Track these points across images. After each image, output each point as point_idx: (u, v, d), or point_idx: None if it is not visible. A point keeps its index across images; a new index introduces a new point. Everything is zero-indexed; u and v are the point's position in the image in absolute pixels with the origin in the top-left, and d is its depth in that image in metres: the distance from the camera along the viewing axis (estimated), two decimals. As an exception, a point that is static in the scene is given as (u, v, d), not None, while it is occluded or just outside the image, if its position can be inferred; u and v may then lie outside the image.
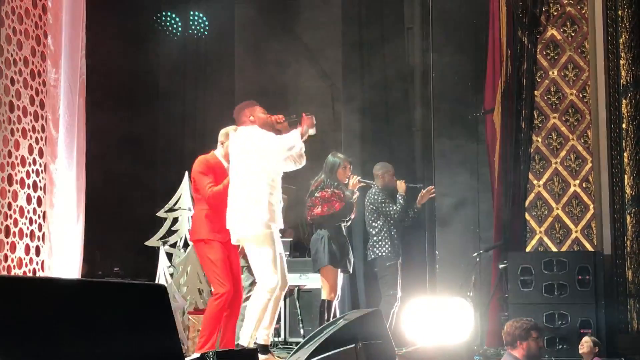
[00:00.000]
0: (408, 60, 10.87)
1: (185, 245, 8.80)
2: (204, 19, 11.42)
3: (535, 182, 8.67)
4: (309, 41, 11.65)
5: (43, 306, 2.68)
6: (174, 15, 11.51)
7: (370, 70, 10.78)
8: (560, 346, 7.87)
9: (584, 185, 8.58)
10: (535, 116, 8.68)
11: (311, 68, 11.75)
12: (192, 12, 11.46)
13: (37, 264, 7.90)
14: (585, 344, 7.03)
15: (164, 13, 11.48)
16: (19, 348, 2.54)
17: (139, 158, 10.50)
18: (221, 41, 11.45)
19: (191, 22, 11.45)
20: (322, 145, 10.54)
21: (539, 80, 8.71)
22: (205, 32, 11.36)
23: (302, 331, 8.91)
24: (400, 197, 8.51)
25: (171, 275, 8.57)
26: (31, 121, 7.88)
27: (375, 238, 8.49)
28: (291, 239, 9.70)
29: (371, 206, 8.55)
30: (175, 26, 11.36)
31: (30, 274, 7.68)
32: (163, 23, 11.35)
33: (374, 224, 8.52)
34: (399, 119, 10.66)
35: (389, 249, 8.40)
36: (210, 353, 3.25)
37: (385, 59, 10.78)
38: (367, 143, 10.54)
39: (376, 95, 10.75)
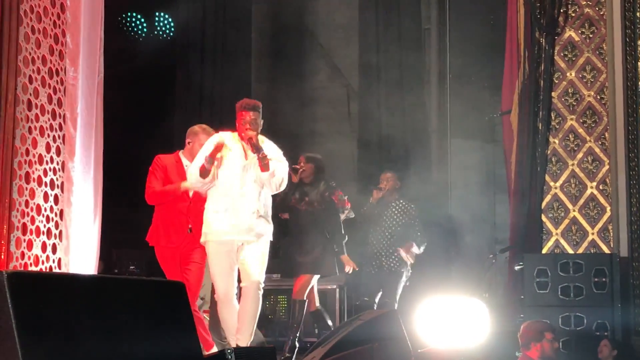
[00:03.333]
0: (425, 61, 10.86)
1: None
2: (170, 20, 11.29)
3: (552, 183, 8.64)
4: (325, 42, 11.65)
5: (64, 302, 2.70)
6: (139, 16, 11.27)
7: (386, 70, 10.78)
8: (576, 348, 7.84)
9: (600, 187, 8.54)
10: (553, 118, 8.65)
11: (327, 68, 11.76)
12: (157, 14, 11.26)
13: (53, 261, 7.94)
14: (605, 348, 7.01)
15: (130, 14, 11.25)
16: (41, 344, 2.55)
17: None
18: (238, 41, 11.46)
19: (156, 24, 11.25)
20: (338, 145, 10.56)
21: (556, 81, 8.68)
22: (171, 34, 11.21)
23: (316, 331, 8.91)
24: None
25: (187, 274, 8.57)
26: (49, 119, 7.92)
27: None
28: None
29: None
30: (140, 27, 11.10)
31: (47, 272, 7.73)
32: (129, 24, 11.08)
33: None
34: (415, 120, 10.65)
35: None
36: (229, 349, 3.25)
37: (402, 59, 10.78)
38: (383, 143, 10.53)
39: (392, 95, 10.74)
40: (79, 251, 6.42)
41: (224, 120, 10.75)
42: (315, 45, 11.71)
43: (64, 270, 7.77)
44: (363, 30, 11.18)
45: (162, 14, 11.26)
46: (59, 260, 7.96)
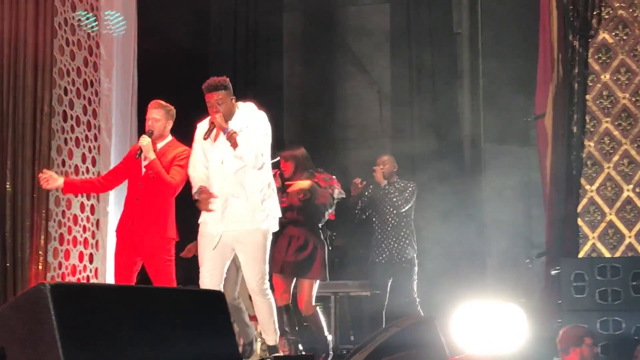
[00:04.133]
0: (457, 66, 10.83)
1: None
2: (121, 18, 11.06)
3: (587, 187, 8.57)
4: (357, 49, 11.66)
5: (105, 313, 2.72)
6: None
7: (418, 76, 10.76)
8: (615, 353, 7.77)
9: (637, 190, 8.46)
10: (587, 121, 8.58)
11: (359, 75, 11.77)
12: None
13: (90, 271, 8.02)
14: (641, 353, 6.93)
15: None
16: (83, 355, 2.58)
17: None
18: (269, 48, 11.49)
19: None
20: (370, 152, 10.55)
21: (590, 84, 8.61)
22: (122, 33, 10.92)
23: (352, 337, 8.90)
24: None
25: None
26: (84, 130, 8.01)
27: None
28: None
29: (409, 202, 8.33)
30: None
31: (84, 281, 7.80)
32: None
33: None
34: (448, 125, 10.61)
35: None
36: (268, 359, 3.25)
37: (434, 64, 10.76)
38: (416, 149, 10.50)
39: (425, 101, 10.73)
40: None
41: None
42: (347, 51, 11.72)
43: (100, 279, 7.84)
44: (394, 36, 11.17)
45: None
46: (96, 269, 8.05)
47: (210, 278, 5.88)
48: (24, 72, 7.27)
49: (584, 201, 8.58)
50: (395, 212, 8.19)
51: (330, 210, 7.31)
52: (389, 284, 8.20)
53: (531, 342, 7.97)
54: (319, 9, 11.78)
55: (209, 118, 5.94)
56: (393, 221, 8.22)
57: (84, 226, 7.98)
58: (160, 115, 6.36)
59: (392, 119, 11.15)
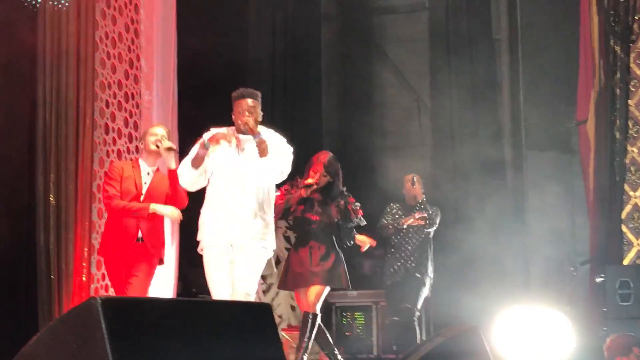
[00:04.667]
0: (496, 72, 10.77)
1: (277, 262, 8.85)
2: None
3: (631, 193, 8.47)
4: (395, 57, 11.64)
5: (155, 327, 2.73)
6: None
7: (457, 82, 10.70)
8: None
9: (681, 195, 8.36)
10: (630, 126, 8.48)
11: (397, 83, 11.75)
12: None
13: (132, 282, 8.06)
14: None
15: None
16: (134, 368, 2.58)
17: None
18: (307, 57, 11.51)
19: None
20: (411, 159, 10.52)
21: (632, 89, 8.52)
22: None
23: (394, 347, 8.86)
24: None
25: (264, 292, 8.65)
26: (126, 142, 8.06)
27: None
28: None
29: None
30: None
31: (128, 293, 7.85)
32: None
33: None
34: (488, 132, 10.54)
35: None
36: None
37: (473, 70, 10.69)
38: (456, 157, 10.44)
39: (464, 108, 10.67)
40: (158, 272, 6.48)
41: (296, 136, 10.86)
42: (384, 60, 11.71)
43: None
44: (433, 43, 11.13)
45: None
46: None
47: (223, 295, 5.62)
48: (67, 85, 7.33)
49: (628, 207, 8.49)
50: (419, 232, 8.06)
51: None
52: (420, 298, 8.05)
53: (577, 351, 7.89)
54: (357, 18, 11.79)
55: (224, 129, 5.74)
56: (415, 241, 8.10)
57: (127, 238, 8.02)
58: (166, 132, 6.41)
59: (431, 127, 11.10)
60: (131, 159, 6.94)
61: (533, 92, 9.72)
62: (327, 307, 8.47)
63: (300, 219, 6.92)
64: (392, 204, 8.26)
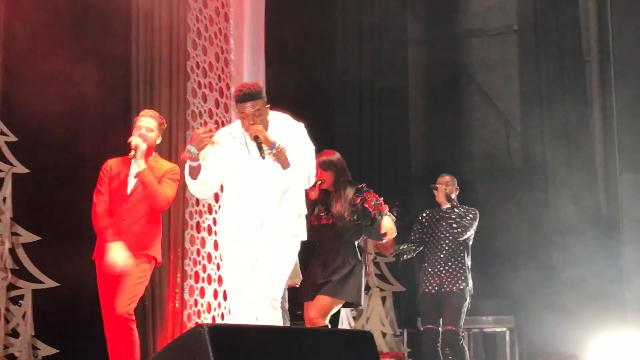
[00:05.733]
0: (587, 94, 10.58)
1: (367, 288, 8.84)
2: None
3: None
4: (482, 79, 11.57)
5: (259, 355, 2.74)
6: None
7: (548, 104, 10.50)
8: None
9: None
10: None
11: (484, 106, 11.66)
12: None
13: (224, 308, 8.12)
14: None
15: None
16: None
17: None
18: (394, 81, 11.51)
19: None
20: (498, 184, 10.39)
21: None
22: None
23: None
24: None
25: (354, 318, 8.63)
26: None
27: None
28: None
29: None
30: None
31: (219, 319, 7.92)
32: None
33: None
34: (580, 154, 10.35)
35: None
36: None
37: (564, 92, 10.51)
38: (548, 181, 10.24)
39: (555, 130, 10.49)
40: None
41: (383, 160, 10.85)
42: (471, 82, 11.64)
43: (234, 316, 7.93)
44: (522, 65, 11.00)
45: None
46: (229, 307, 8.13)
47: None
48: (160, 93, 7.49)
49: None
50: (451, 238, 7.24)
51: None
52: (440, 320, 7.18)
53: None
54: (443, 41, 11.76)
55: (234, 126, 5.18)
56: (448, 248, 7.25)
57: (218, 264, 8.10)
58: (154, 126, 5.74)
59: (522, 150, 10.94)
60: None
61: (626, 112, 9.51)
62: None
63: (312, 228, 5.91)
64: (422, 214, 7.55)
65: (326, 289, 5.86)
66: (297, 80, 9.20)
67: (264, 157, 4.84)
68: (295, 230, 5.04)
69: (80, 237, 6.60)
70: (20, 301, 6.40)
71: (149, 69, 7.47)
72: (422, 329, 7.44)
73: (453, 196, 7.33)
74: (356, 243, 6.11)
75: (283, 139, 4.91)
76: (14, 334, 6.30)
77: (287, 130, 5.06)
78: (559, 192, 9.88)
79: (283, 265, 4.98)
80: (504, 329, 8.62)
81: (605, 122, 10.18)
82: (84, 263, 5.96)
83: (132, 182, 5.68)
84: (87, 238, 6.24)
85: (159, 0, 7.55)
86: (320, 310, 5.86)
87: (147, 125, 5.70)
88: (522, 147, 10.93)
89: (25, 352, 6.36)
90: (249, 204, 4.95)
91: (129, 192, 5.66)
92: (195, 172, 4.98)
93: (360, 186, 6.16)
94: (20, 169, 6.37)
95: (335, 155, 6.27)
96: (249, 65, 8.59)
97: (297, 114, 9.08)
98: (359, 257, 6.06)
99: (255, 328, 3.54)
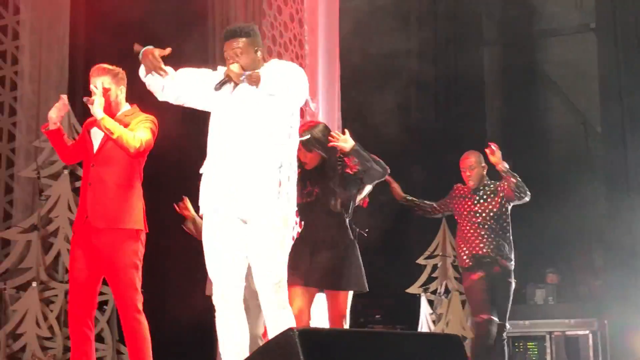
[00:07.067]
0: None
1: (447, 292, 8.76)
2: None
3: None
4: (559, 79, 11.39)
5: (349, 358, 2.74)
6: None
7: (630, 105, 10.15)
8: None
9: None
10: None
11: (562, 106, 11.47)
12: None
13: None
14: None
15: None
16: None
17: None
18: (469, 83, 11.42)
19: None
20: (576, 188, 10.18)
21: None
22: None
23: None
24: None
25: (434, 322, 8.59)
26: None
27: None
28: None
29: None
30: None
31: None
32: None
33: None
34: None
35: None
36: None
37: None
38: (630, 184, 9.94)
39: (637, 130, 10.19)
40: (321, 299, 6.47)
41: (454, 161, 10.78)
42: (548, 83, 11.47)
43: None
44: (601, 64, 10.74)
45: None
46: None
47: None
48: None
49: None
50: (491, 214, 6.80)
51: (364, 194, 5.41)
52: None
53: None
54: (520, 42, 11.62)
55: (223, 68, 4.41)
56: (489, 228, 6.76)
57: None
58: (108, 83, 4.90)
59: (603, 152, 10.64)
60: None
61: None
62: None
63: (300, 205, 5.00)
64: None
65: (333, 284, 5.10)
66: (371, 75, 9.26)
67: (218, 89, 4.25)
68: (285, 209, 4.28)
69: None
70: (104, 307, 6.50)
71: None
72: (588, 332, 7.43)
73: (482, 177, 7.10)
74: (347, 220, 5.23)
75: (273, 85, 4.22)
76: (100, 339, 6.40)
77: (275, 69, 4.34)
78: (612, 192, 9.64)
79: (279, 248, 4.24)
80: (587, 332, 8.45)
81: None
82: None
83: (97, 140, 4.91)
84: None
85: (234, 5, 7.63)
86: (344, 310, 5.16)
87: (104, 88, 4.86)
88: (603, 149, 10.64)
89: (109, 357, 6.47)
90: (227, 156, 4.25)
91: (94, 150, 4.92)
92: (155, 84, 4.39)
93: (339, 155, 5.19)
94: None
95: (318, 127, 5.21)
96: (324, 70, 8.65)
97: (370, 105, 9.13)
98: (351, 236, 5.24)
99: (344, 332, 3.54)
